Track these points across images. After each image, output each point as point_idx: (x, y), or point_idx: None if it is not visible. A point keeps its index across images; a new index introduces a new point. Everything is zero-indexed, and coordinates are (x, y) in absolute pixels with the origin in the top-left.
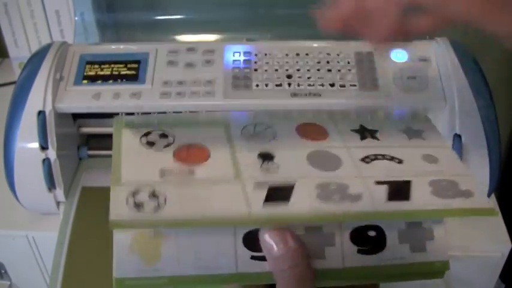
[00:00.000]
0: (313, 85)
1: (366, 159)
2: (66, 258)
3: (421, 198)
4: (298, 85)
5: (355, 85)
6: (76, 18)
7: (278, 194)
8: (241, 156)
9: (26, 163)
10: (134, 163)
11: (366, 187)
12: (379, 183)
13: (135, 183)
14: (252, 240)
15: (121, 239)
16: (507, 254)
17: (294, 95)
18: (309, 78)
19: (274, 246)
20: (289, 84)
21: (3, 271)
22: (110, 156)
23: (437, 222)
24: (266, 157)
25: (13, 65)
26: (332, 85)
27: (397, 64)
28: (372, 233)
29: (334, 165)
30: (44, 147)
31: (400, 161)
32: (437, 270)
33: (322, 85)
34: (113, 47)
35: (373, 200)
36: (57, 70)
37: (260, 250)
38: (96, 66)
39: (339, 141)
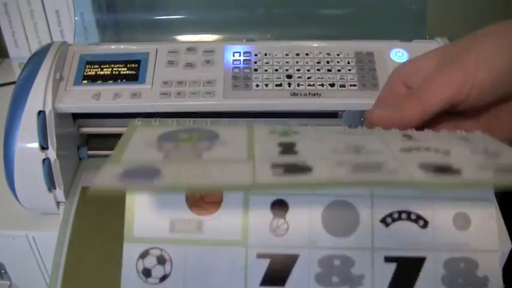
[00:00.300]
0: (313, 85)
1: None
2: (66, 258)
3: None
4: (298, 85)
5: (355, 85)
6: (76, 18)
7: None
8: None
9: (26, 163)
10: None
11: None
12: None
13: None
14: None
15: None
16: (507, 254)
17: (294, 95)
18: (309, 78)
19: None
20: (289, 84)
21: (3, 271)
22: (110, 156)
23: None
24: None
25: (13, 65)
26: (332, 85)
27: (397, 64)
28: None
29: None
30: (44, 147)
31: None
32: None
33: (322, 85)
34: (113, 47)
35: None
36: (57, 70)
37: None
38: (96, 66)
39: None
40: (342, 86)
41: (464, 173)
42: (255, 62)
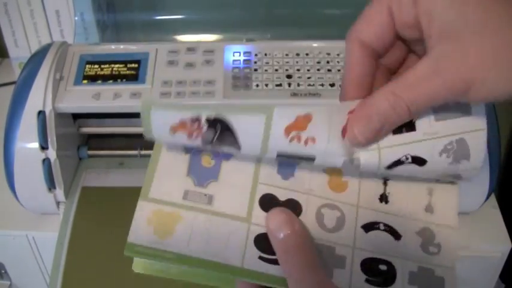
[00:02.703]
0: (313, 85)
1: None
2: (66, 258)
3: None
4: (298, 85)
5: None
6: (76, 18)
7: None
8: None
9: (26, 163)
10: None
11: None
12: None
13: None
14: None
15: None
16: (507, 254)
17: (294, 95)
18: (309, 78)
19: (279, 227)
20: (289, 84)
21: (3, 271)
22: (110, 156)
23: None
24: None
25: (13, 65)
26: (332, 85)
27: None
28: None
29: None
30: (44, 147)
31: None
32: None
33: (322, 85)
34: (113, 47)
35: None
36: (57, 70)
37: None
38: (96, 66)
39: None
40: None
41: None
42: (255, 62)
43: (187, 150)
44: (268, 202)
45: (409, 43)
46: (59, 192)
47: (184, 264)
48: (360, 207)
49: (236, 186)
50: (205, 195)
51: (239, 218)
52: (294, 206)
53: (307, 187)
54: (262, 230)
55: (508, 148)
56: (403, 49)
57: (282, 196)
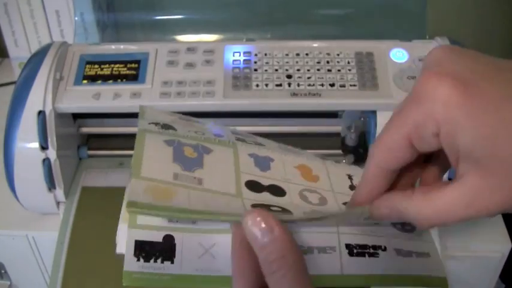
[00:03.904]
0: (313, 85)
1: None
2: (66, 258)
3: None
4: (298, 85)
5: (355, 85)
6: (76, 18)
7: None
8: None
9: (26, 163)
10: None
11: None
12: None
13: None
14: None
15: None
16: (507, 254)
17: (294, 95)
18: (309, 78)
19: (259, 235)
20: (289, 84)
21: (3, 271)
22: (110, 156)
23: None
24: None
25: (13, 65)
26: (332, 85)
27: (397, 64)
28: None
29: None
30: (44, 147)
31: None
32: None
33: (322, 85)
34: (113, 47)
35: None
36: (57, 70)
37: None
38: (96, 66)
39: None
40: (342, 86)
41: None
42: (255, 62)
43: (169, 143)
44: (254, 185)
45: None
46: (59, 192)
47: (187, 217)
48: (336, 192)
49: (221, 172)
50: (195, 178)
51: (231, 194)
52: (277, 190)
53: (284, 177)
54: (257, 202)
55: None
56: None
57: (265, 182)
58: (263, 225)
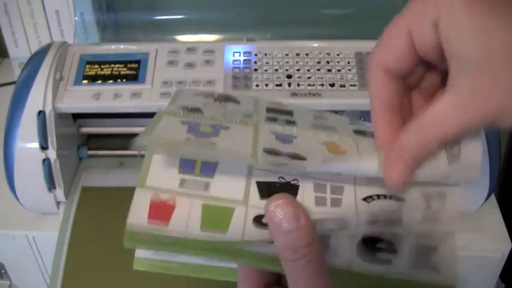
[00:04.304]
0: (313, 85)
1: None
2: (66, 258)
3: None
4: (298, 85)
5: (355, 85)
6: (76, 18)
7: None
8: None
9: (26, 163)
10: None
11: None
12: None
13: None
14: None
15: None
16: (507, 254)
17: (294, 95)
18: (309, 78)
19: (284, 221)
20: (289, 84)
21: (3, 271)
22: (110, 156)
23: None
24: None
25: (13, 65)
26: (332, 85)
27: None
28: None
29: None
30: (44, 147)
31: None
32: None
33: (322, 85)
34: (113, 47)
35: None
36: (57, 70)
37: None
38: (96, 66)
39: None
40: (342, 86)
41: None
42: (255, 62)
43: (184, 122)
44: (271, 152)
45: (434, 63)
46: (59, 192)
47: (184, 248)
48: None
49: (238, 139)
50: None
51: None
52: (296, 156)
53: (307, 149)
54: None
55: (508, 148)
56: (428, 67)
57: (284, 149)
58: (291, 210)
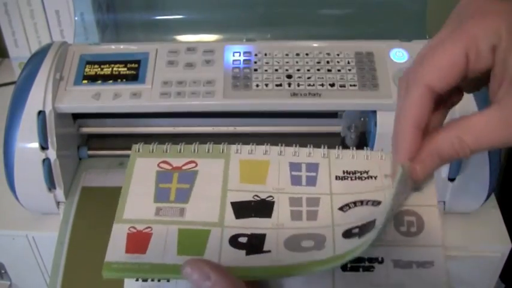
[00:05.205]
0: (313, 85)
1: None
2: (66, 258)
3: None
4: (298, 85)
5: (355, 85)
6: (76, 18)
7: None
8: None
9: (26, 163)
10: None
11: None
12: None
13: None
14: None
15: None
16: (507, 254)
17: (294, 95)
18: (309, 78)
19: (199, 282)
20: (289, 84)
21: (3, 271)
22: (110, 156)
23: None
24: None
25: (13, 65)
26: (332, 85)
27: (397, 64)
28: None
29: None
30: (44, 147)
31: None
32: None
33: (322, 85)
34: (113, 47)
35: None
36: (57, 70)
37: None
38: (96, 66)
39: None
40: (342, 86)
41: None
42: (255, 62)
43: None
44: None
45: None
46: (59, 192)
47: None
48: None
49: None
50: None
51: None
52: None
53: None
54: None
55: (508, 148)
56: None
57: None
58: (200, 273)
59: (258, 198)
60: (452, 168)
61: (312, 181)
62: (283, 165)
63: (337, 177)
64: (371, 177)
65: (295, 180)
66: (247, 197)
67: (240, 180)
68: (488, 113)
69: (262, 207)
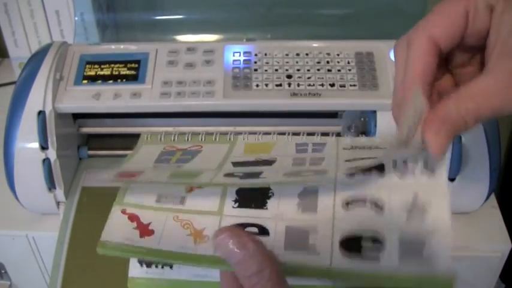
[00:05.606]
0: (313, 85)
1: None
2: (66, 258)
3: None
4: (298, 85)
5: (355, 85)
6: (76, 18)
7: None
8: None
9: (26, 163)
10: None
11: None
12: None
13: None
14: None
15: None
16: (507, 254)
17: (294, 95)
18: (309, 78)
19: (233, 251)
20: (289, 84)
21: (3, 271)
22: (110, 156)
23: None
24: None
25: (13, 65)
26: (332, 85)
27: None
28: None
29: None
30: (44, 147)
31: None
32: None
33: (322, 85)
34: (113, 47)
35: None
36: (57, 70)
37: None
38: (96, 66)
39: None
40: (342, 86)
41: None
42: (255, 62)
43: None
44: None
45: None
46: (59, 192)
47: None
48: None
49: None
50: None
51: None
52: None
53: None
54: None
55: (508, 148)
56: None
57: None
58: (236, 242)
59: (260, 159)
60: (452, 168)
61: (318, 150)
62: (290, 145)
63: (344, 148)
64: (379, 148)
65: (301, 150)
66: (249, 159)
67: (244, 152)
68: (484, 80)
69: (263, 165)
